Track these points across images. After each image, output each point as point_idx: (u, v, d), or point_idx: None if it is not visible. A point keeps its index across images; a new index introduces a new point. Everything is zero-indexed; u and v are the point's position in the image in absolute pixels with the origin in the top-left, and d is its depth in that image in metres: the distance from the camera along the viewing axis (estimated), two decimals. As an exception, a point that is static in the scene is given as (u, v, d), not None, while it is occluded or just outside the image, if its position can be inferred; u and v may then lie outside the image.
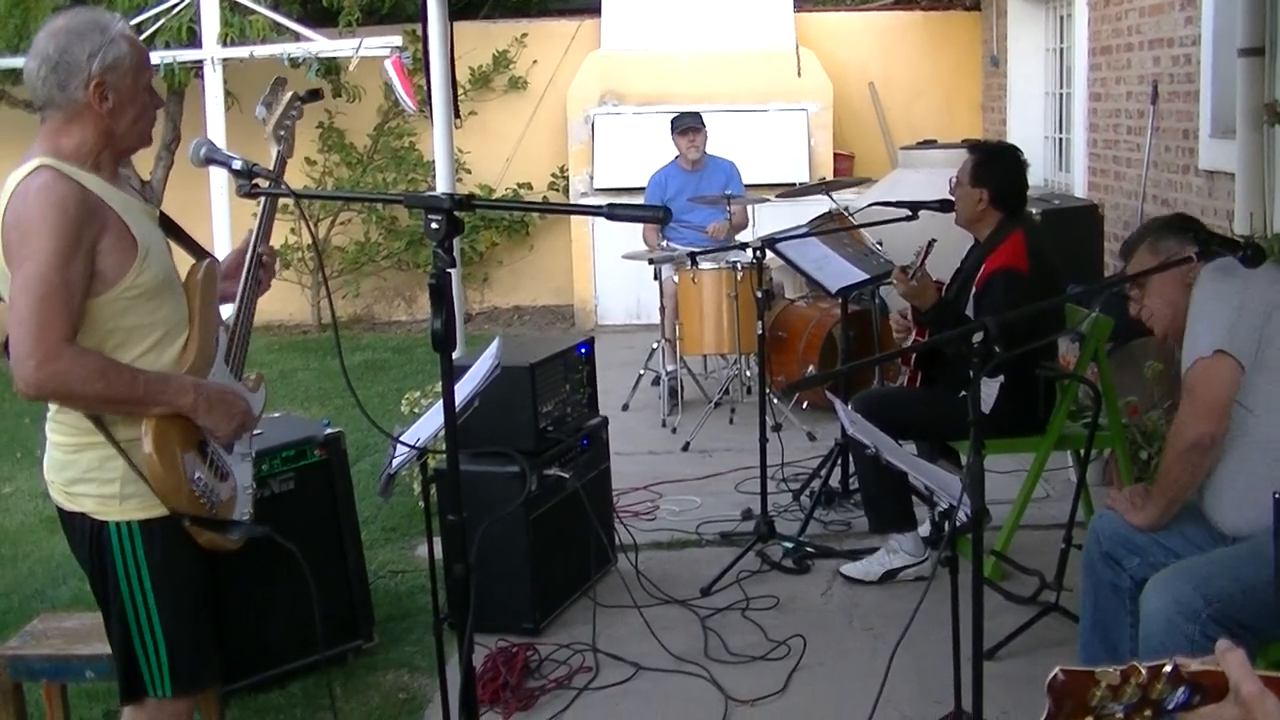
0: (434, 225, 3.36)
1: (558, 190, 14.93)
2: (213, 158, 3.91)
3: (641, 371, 10.45)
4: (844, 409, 4.70)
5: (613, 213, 3.42)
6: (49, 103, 3.70)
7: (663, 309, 10.25)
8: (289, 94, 4.39)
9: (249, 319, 4.12)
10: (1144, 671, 1.90)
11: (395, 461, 4.42)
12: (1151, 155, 10.03)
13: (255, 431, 4.18)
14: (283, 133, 4.33)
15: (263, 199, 4.09)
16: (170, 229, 4.01)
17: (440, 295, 3.35)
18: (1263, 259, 4.45)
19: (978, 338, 3.87)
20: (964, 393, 6.28)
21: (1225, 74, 8.55)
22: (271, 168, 4.10)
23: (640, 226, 10.89)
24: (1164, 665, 1.90)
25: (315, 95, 4.64)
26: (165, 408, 3.72)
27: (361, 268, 14.89)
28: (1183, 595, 3.94)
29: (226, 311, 4.07)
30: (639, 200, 11.29)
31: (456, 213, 3.36)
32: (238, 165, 3.86)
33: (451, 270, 3.44)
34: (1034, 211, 9.55)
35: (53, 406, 3.79)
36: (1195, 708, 1.92)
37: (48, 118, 3.72)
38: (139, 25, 10.10)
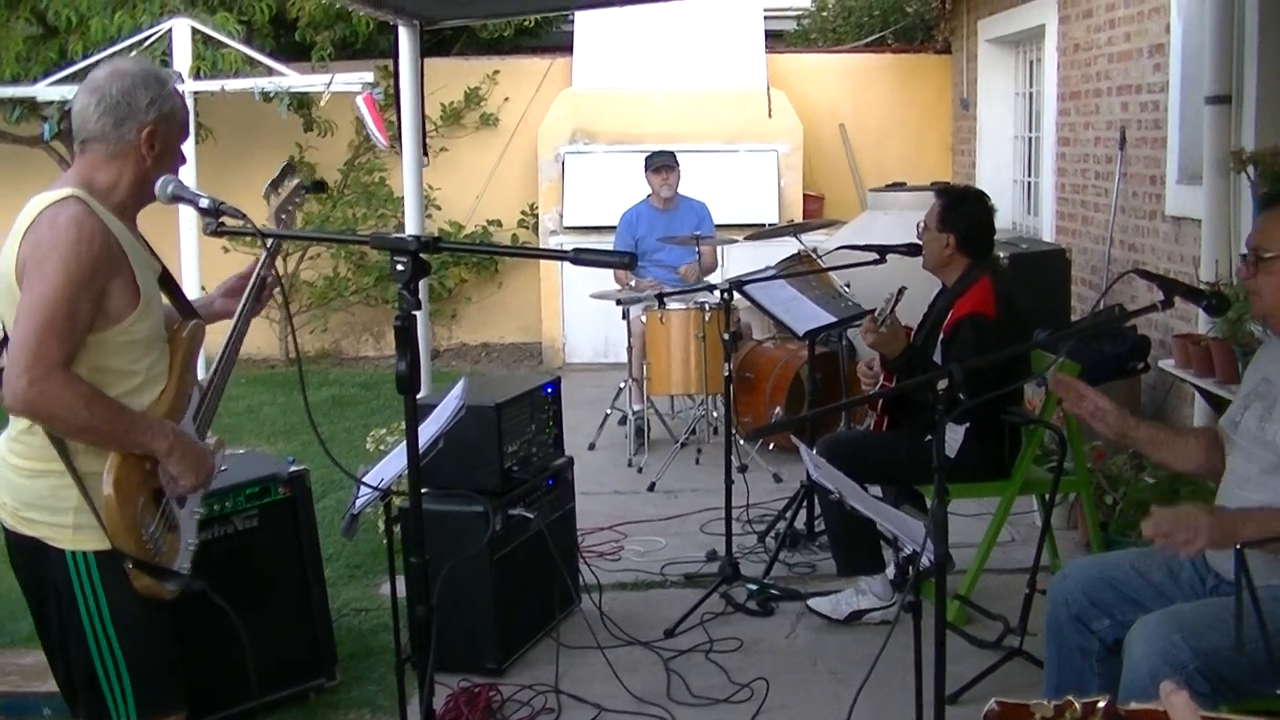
0: (400, 267, 3.37)
1: (527, 228, 14.96)
2: (180, 195, 3.91)
3: (608, 411, 10.43)
4: (808, 453, 4.69)
5: (579, 257, 3.43)
6: (95, 137, 3.83)
7: (630, 348, 10.25)
8: (295, 181, 4.47)
9: (234, 354, 4.19)
10: (1079, 706, 1.92)
11: (359, 502, 4.41)
12: (1119, 200, 10.08)
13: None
14: (284, 217, 4.43)
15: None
16: (166, 285, 4.07)
17: (406, 337, 3.35)
18: (1227, 308, 4.47)
19: (943, 384, 3.88)
20: (929, 437, 6.31)
21: (1192, 121, 8.61)
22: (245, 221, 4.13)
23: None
24: (1098, 701, 1.92)
25: (320, 187, 4.70)
26: (141, 448, 3.79)
27: (330, 303, 14.86)
28: (1171, 644, 3.86)
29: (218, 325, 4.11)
30: (608, 238, 11.30)
31: (422, 255, 3.37)
32: (204, 203, 3.86)
33: (417, 312, 3.44)
34: (1002, 256, 9.56)
35: (14, 427, 3.84)
36: None
37: (88, 150, 3.85)
38: (113, 55, 10.10)
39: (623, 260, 3.62)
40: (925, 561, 4.00)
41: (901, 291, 6.46)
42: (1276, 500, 3.92)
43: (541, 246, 13.98)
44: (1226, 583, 3.93)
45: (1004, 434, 6.41)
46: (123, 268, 3.74)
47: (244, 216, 3.91)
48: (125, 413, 3.75)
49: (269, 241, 4.22)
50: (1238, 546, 3.41)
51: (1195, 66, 8.47)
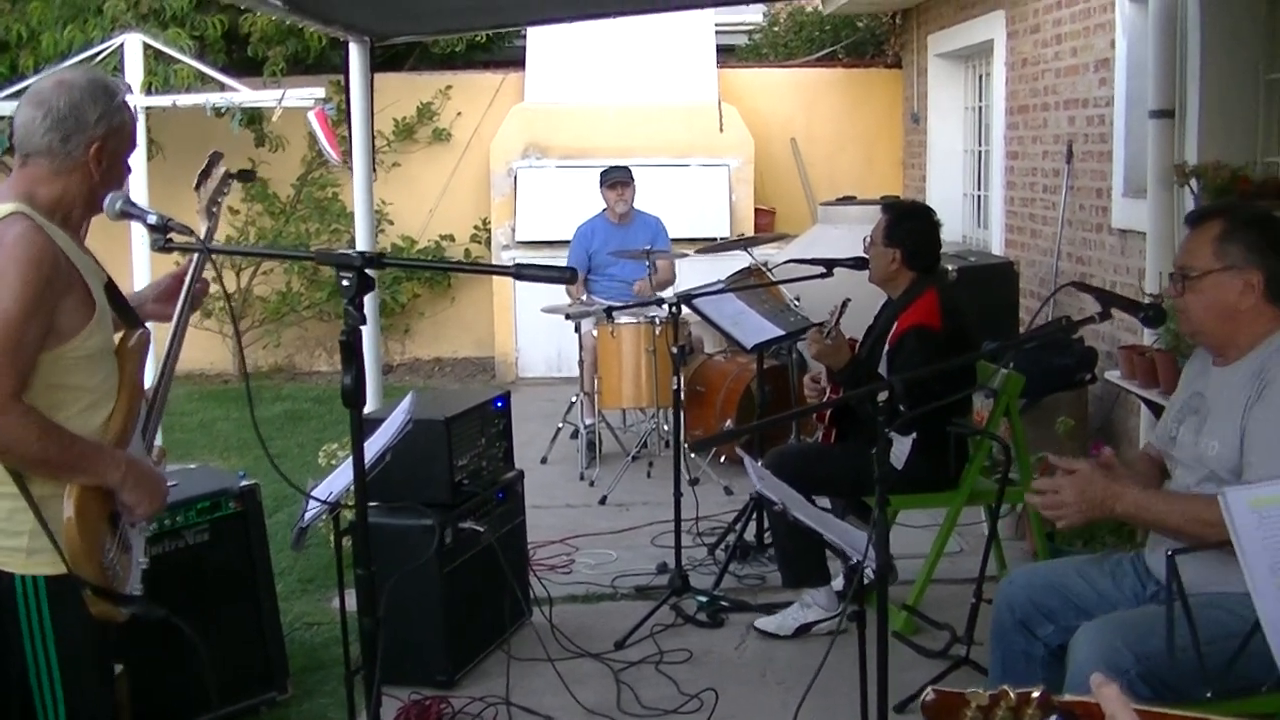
0: (345, 283, 3.39)
1: (480, 243, 14.97)
2: (128, 212, 3.90)
3: (560, 425, 10.47)
4: (753, 465, 4.74)
5: (520, 273, 3.47)
6: (41, 151, 3.74)
7: (582, 362, 10.30)
8: (222, 170, 4.40)
9: (174, 362, 4.14)
10: (1013, 696, 1.96)
11: (307, 515, 4.44)
12: (1066, 214, 10.17)
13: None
14: (214, 209, 4.36)
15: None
16: (111, 294, 3.99)
17: (351, 351, 3.38)
18: (1164, 319, 4.54)
19: (883, 396, 3.93)
20: (876, 449, 6.36)
21: (1137, 135, 8.68)
22: (200, 236, 4.11)
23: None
24: (1033, 691, 1.96)
25: (248, 175, 4.67)
26: (93, 479, 3.71)
27: (283, 317, 14.84)
28: (1113, 649, 3.92)
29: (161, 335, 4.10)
30: (561, 252, 11.33)
31: (367, 270, 3.39)
32: (153, 220, 3.86)
33: (363, 327, 3.47)
34: (950, 269, 9.62)
35: None
36: None
37: (31, 164, 3.76)
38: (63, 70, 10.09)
39: (564, 276, 3.65)
40: (869, 572, 4.05)
41: (846, 303, 6.53)
42: None
43: (494, 261, 13.99)
44: (1165, 589, 3.98)
45: (951, 445, 6.46)
46: (74, 284, 3.68)
47: (192, 233, 3.91)
48: (77, 444, 3.67)
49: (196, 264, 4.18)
50: (1169, 553, 3.46)
51: (1140, 81, 8.55)
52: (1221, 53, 7.70)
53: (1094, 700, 1.98)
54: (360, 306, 3.41)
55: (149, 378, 4.13)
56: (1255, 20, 7.65)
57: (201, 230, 4.24)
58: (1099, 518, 4.27)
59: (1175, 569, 3.37)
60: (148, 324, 4.20)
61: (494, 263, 13.76)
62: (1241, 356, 4.20)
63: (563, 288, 10.79)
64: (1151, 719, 1.98)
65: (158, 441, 4.27)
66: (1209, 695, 3.33)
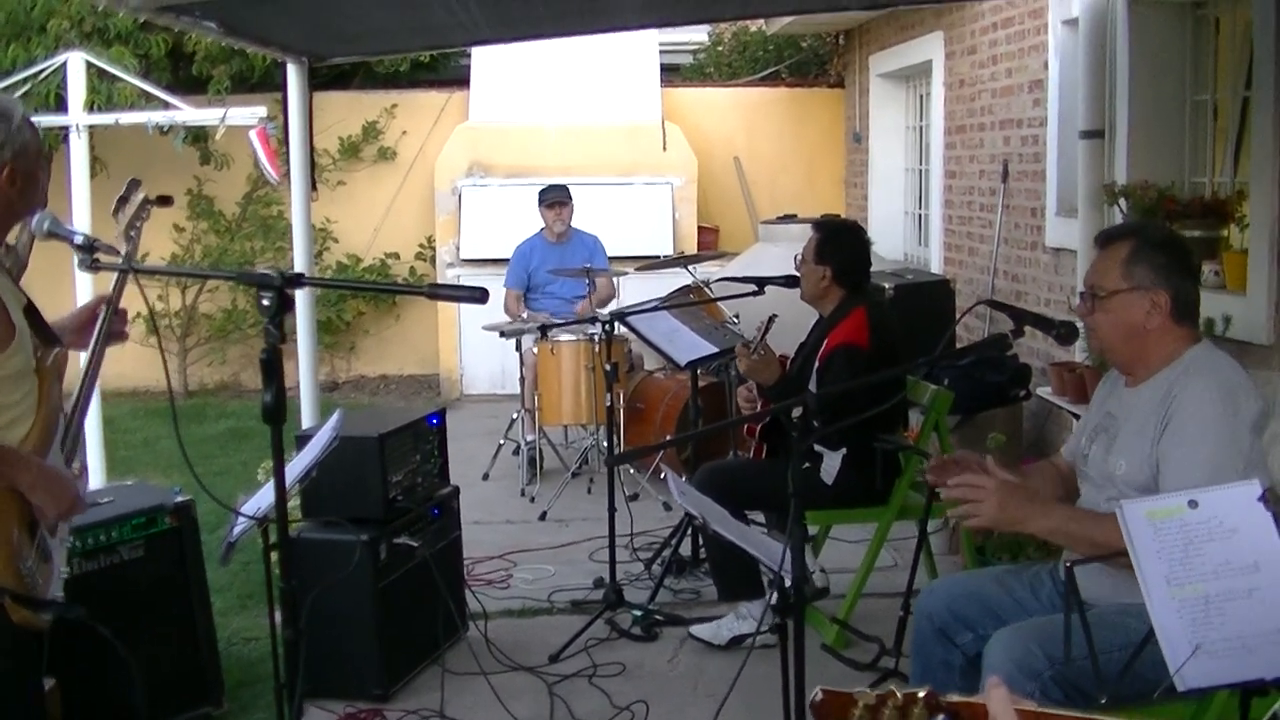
0: (265, 302, 3.45)
1: (425, 260, 15.02)
2: (54, 232, 3.94)
3: (501, 441, 10.52)
4: (675, 480, 4.78)
5: (434, 292, 3.55)
6: None
7: (523, 379, 10.36)
8: (141, 196, 4.43)
9: (92, 385, 4.17)
10: (900, 695, 2.01)
11: (235, 530, 4.49)
12: (1002, 232, 10.29)
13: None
14: (132, 233, 4.38)
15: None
16: (29, 314, 4.01)
17: (271, 369, 3.44)
18: (1076, 337, 4.63)
19: (797, 412, 4.00)
20: (807, 464, 6.45)
21: (1069, 155, 8.82)
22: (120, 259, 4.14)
23: (502, 296, 11.01)
24: (919, 692, 2.01)
25: (166, 201, 4.68)
26: (4, 480, 3.73)
27: (229, 335, 14.89)
28: (1028, 653, 3.99)
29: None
30: (505, 270, 11.37)
31: (287, 290, 3.45)
32: (79, 240, 3.90)
33: (301, 345, 3.53)
34: (887, 287, 9.74)
35: None
36: None
37: None
38: (6, 89, 10.10)
39: (475, 295, 3.70)
40: (788, 584, 4.11)
41: (772, 319, 6.61)
42: None
43: (440, 280, 13.99)
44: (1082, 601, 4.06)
45: (879, 461, 6.54)
46: None
47: (118, 253, 3.96)
48: None
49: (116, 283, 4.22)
50: (1068, 564, 3.55)
51: (1071, 102, 8.67)
52: (1149, 75, 7.83)
53: (981, 701, 2.03)
54: (280, 325, 3.47)
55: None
56: (1182, 43, 7.79)
57: (121, 252, 4.27)
58: (1005, 530, 4.36)
59: (1073, 579, 3.45)
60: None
61: (439, 282, 13.75)
62: (1150, 376, 4.27)
63: (500, 306, 10.87)
64: (1031, 718, 2.03)
65: (97, 458, 4.30)
66: (1103, 701, 3.41)
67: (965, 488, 4.22)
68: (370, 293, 15.17)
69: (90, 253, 3.90)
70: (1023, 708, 2.02)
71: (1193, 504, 3.26)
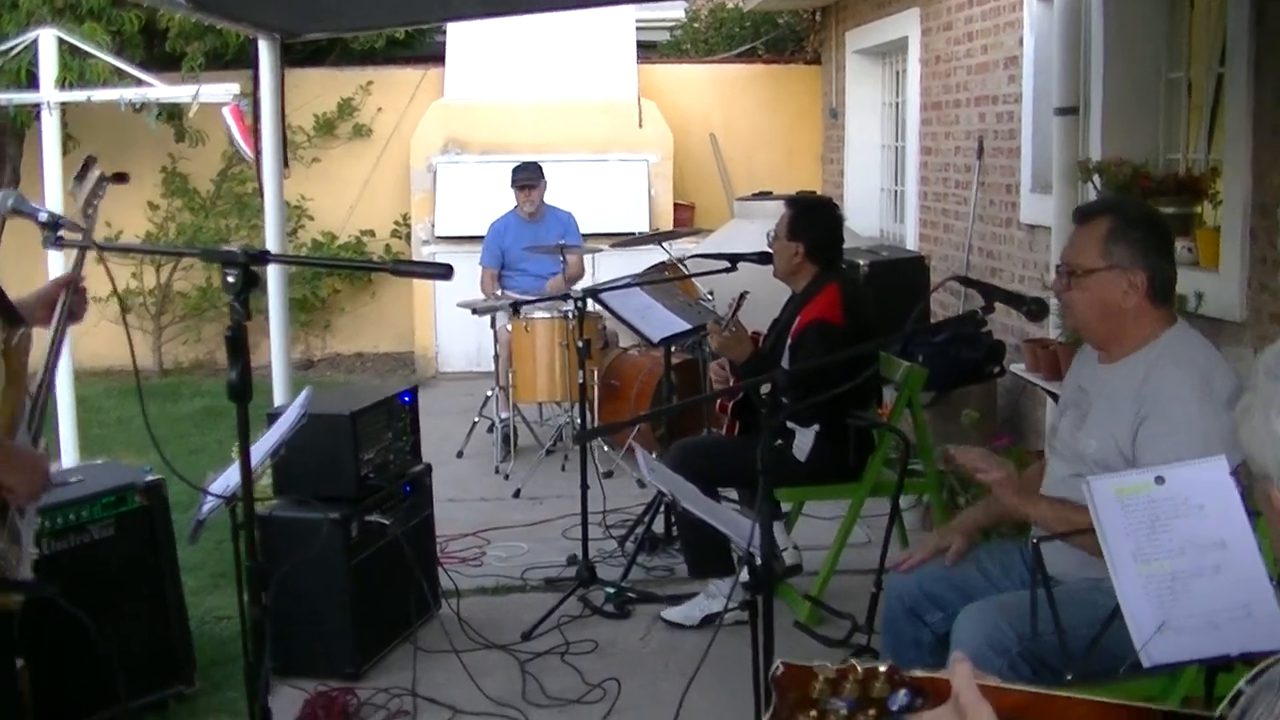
0: (230, 279, 3.43)
1: (401, 238, 14.97)
2: (19, 209, 3.92)
3: (476, 419, 10.51)
4: (645, 456, 4.78)
5: (397, 268, 3.53)
6: None
7: (497, 357, 10.36)
8: (97, 173, 4.41)
9: (55, 364, 4.14)
10: (861, 670, 2.01)
11: (204, 508, 4.48)
12: (977, 209, 10.29)
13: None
14: (90, 211, 4.35)
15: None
16: None
17: (236, 346, 3.42)
18: (1046, 314, 4.63)
19: (766, 389, 4.00)
20: (780, 441, 6.44)
21: (1043, 131, 8.82)
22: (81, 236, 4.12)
23: (479, 274, 11.00)
24: (880, 666, 2.01)
25: (122, 178, 4.64)
26: None
27: (204, 313, 14.81)
28: (997, 629, 4.00)
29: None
30: (478, 248, 11.34)
31: (252, 267, 3.44)
32: (43, 217, 3.88)
33: (247, 323, 3.51)
34: (861, 263, 9.74)
35: None
36: (918, 710, 2.00)
37: None
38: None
39: (439, 272, 3.67)
40: (758, 560, 4.11)
41: (743, 296, 6.58)
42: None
43: (414, 257, 13.98)
44: (1050, 577, 4.06)
45: (851, 437, 6.54)
46: None
47: (82, 230, 3.94)
48: None
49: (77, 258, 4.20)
50: (1034, 541, 3.56)
51: (1046, 79, 8.66)
52: (1124, 52, 7.84)
53: (944, 676, 2.02)
54: (245, 302, 3.45)
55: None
56: (1156, 20, 7.80)
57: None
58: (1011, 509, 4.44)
59: (1039, 555, 3.46)
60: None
61: (414, 258, 13.76)
62: (1125, 355, 4.27)
63: (477, 283, 10.86)
64: (994, 694, 2.03)
65: (70, 438, 4.28)
66: (1070, 677, 3.42)
67: (983, 469, 4.28)
68: (337, 270, 15.12)
69: (55, 230, 3.88)
70: (986, 683, 2.02)
71: (1160, 480, 3.26)
